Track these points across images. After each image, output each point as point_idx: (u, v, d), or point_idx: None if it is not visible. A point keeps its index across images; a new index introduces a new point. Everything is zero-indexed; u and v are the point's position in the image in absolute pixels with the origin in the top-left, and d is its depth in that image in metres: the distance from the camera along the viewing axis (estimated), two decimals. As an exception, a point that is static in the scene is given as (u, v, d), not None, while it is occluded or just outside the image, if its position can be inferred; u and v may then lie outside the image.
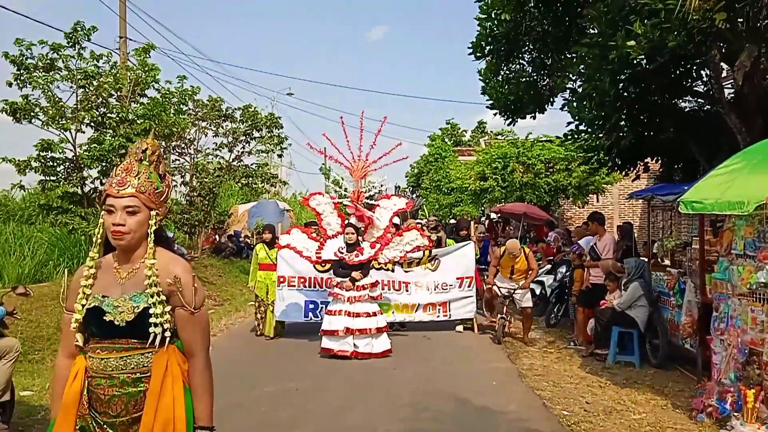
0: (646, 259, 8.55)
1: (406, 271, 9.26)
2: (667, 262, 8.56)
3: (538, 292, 11.18)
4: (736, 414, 5.03)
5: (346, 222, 8.39)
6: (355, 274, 7.96)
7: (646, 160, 10.85)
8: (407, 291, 9.23)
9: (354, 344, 7.84)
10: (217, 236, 18.70)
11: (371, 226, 8.45)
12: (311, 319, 9.04)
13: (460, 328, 9.64)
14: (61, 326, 2.47)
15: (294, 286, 9.10)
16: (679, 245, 7.98)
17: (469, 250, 9.65)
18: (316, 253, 8.31)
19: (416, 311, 9.33)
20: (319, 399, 6.24)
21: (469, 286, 9.47)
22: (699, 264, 6.92)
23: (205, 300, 2.46)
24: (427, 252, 9.18)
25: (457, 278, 9.42)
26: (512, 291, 8.89)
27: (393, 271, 9.15)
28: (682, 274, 7.42)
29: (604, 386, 6.59)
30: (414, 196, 34.38)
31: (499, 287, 8.98)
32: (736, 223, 5.63)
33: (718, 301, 5.93)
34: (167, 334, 2.31)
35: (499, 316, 8.98)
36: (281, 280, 9.05)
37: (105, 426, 2.30)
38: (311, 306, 9.07)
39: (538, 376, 7.01)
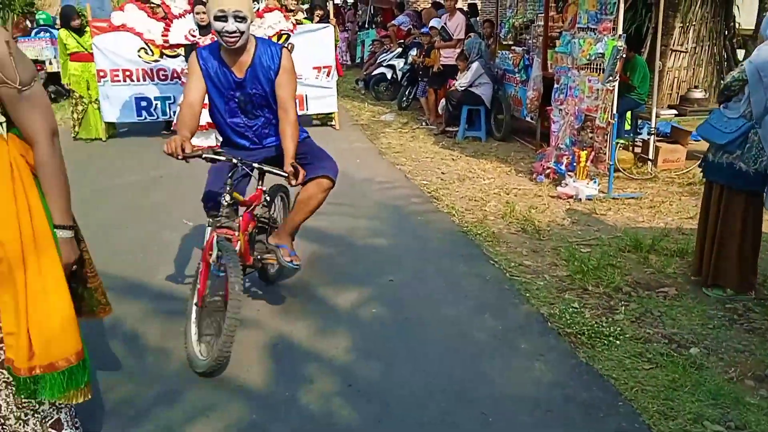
0: (489, 39, 8.93)
1: None
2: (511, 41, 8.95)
3: (389, 76, 11.37)
4: (570, 173, 5.78)
5: None
6: None
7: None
8: None
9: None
10: (27, 21, 16.33)
11: None
12: (146, 117, 8.27)
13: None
14: None
15: (119, 80, 8.07)
16: (524, 23, 8.30)
17: (327, 36, 8.60)
18: (162, 36, 7.37)
19: None
20: (190, 183, 6.10)
21: (328, 76, 8.61)
22: (543, 40, 7.35)
23: (37, 75, 2.06)
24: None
25: (314, 68, 8.49)
26: None
27: None
28: (526, 52, 7.87)
29: (456, 159, 7.15)
30: None
31: None
32: (581, -3, 5.95)
33: (559, 74, 6.46)
34: None
35: None
36: (101, 74, 7.97)
37: None
38: (144, 103, 8.16)
39: (396, 153, 7.41)
